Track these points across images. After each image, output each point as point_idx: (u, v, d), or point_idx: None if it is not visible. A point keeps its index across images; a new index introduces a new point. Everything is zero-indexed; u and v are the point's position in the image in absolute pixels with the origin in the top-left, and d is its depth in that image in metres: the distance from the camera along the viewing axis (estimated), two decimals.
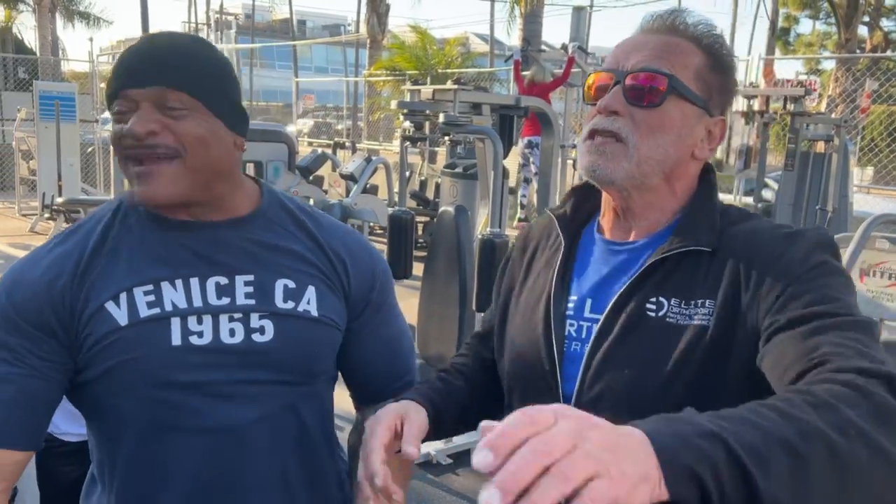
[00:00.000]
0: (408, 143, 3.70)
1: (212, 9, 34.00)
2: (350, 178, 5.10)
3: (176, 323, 1.02)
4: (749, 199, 7.06)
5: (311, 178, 6.13)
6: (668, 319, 0.93)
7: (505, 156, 3.93)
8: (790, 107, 5.66)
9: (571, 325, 1.01)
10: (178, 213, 1.06)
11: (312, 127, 23.35)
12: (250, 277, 1.06)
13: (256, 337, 1.04)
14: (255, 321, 1.05)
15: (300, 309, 1.07)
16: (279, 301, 1.06)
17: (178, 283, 1.03)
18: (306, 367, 1.09)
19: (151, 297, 1.02)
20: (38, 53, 21.17)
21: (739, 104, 6.48)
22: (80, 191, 9.08)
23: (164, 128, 0.97)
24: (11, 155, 11.50)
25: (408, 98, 3.57)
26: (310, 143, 15.66)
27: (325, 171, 6.71)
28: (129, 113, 0.97)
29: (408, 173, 8.68)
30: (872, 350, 0.78)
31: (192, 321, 1.02)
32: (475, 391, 1.13)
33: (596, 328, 0.97)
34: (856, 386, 0.69)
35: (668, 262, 0.95)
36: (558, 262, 1.04)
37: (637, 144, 0.95)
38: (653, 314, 0.94)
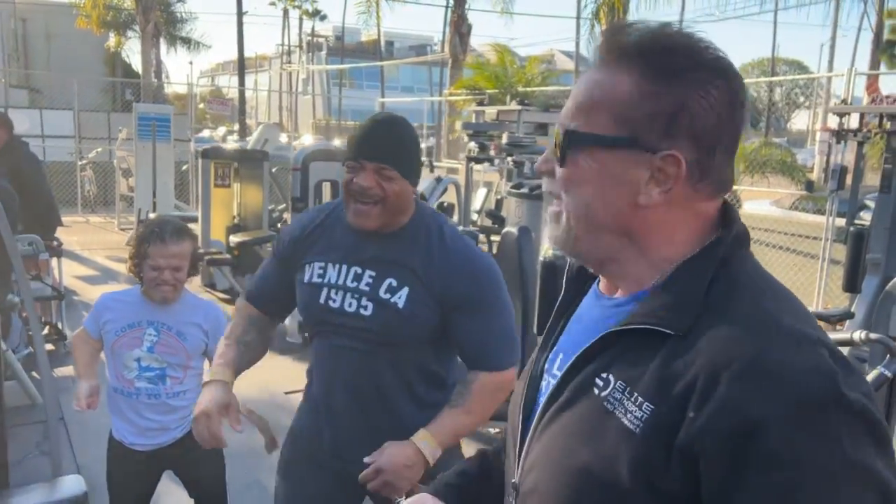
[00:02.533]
0: (472, 163, 3.69)
1: (304, 31, 35.26)
2: (421, 197, 5.16)
3: (325, 290, 1.73)
4: (842, 222, 6.68)
5: (445, 205, 6.20)
6: (605, 405, 0.81)
7: None
8: (886, 124, 5.31)
9: (546, 380, 0.94)
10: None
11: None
12: (373, 273, 1.69)
13: (362, 311, 1.69)
14: (364, 301, 1.69)
15: (392, 300, 1.66)
16: (382, 292, 1.67)
17: (336, 265, 1.73)
18: (386, 337, 1.69)
19: (321, 271, 1.75)
20: (141, 77, 22.47)
21: (832, 122, 6.15)
22: (173, 207, 9.54)
23: (378, 184, 1.61)
24: (114, 172, 12.24)
25: (473, 119, 3.56)
26: None
27: None
28: (359, 170, 1.61)
29: (485, 191, 8.69)
30: None
31: (332, 292, 1.72)
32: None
33: (549, 390, 0.90)
34: None
35: (628, 336, 0.82)
36: (553, 314, 0.98)
37: (562, 204, 0.87)
38: (597, 391, 0.83)
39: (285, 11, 36.47)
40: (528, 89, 13.53)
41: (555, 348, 0.96)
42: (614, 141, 0.82)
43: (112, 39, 28.79)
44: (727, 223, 0.86)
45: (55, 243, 5.33)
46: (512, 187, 4.50)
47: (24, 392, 4.20)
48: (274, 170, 8.53)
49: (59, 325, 5.34)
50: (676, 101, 0.80)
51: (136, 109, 9.73)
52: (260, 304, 1.90)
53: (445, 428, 1.67)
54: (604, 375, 0.83)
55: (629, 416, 0.77)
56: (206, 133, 21.20)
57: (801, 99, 43.64)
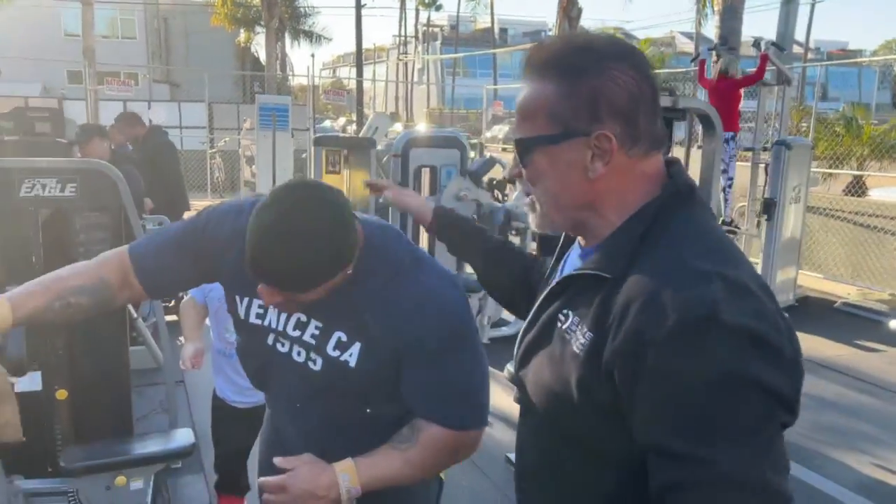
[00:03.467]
0: None
1: (420, 22, 35.81)
2: (469, 175, 5.32)
3: (271, 335, 1.47)
4: None
5: (495, 182, 6.32)
6: (565, 335, 1.03)
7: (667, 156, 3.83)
8: None
9: None
10: None
11: (508, 132, 23.77)
12: (320, 324, 1.40)
13: (310, 365, 1.42)
14: (312, 354, 1.42)
15: (342, 359, 1.38)
16: (330, 349, 1.39)
17: (276, 309, 1.41)
18: (341, 391, 1.42)
19: (261, 311, 1.46)
20: (265, 70, 23.67)
21: None
22: None
23: (290, 300, 1.29)
24: (239, 160, 13.07)
25: None
26: (503, 149, 15.99)
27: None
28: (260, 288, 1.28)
29: None
30: None
31: (280, 337, 1.45)
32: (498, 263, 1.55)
33: (529, 317, 1.15)
34: None
35: (581, 280, 1.03)
36: (554, 257, 1.24)
37: (535, 196, 1.08)
38: (560, 324, 1.05)
39: (402, 2, 37.22)
40: None
41: (550, 281, 1.19)
42: (553, 137, 1.00)
43: (242, 35, 30.46)
44: (671, 180, 1.03)
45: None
46: None
47: (151, 356, 4.67)
48: (385, 159, 8.86)
49: (183, 297, 5.83)
50: (591, 92, 0.98)
51: (258, 101, 10.33)
52: (146, 277, 1.47)
53: (376, 468, 1.38)
54: (565, 311, 1.04)
55: (577, 343, 0.99)
56: (327, 123, 22.12)
57: None
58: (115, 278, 1.45)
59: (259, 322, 1.45)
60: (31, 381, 3.04)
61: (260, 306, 1.44)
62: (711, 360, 0.84)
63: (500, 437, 3.78)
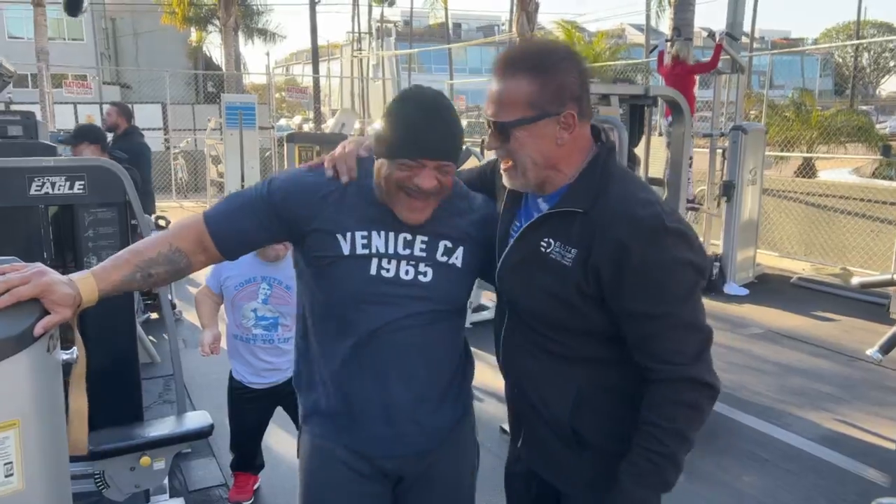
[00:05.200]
0: None
1: (373, 18, 35.77)
2: None
3: (374, 261, 1.56)
4: None
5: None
6: (550, 255, 1.45)
7: (635, 144, 4.08)
8: None
9: (510, 238, 1.56)
10: None
11: (467, 126, 24.01)
12: (425, 238, 1.58)
13: (420, 278, 1.57)
14: (421, 267, 1.58)
15: (450, 262, 1.60)
16: (439, 255, 1.59)
17: (382, 234, 1.56)
18: (445, 304, 1.61)
19: (365, 241, 1.55)
20: (223, 69, 23.42)
21: None
22: None
23: (438, 182, 1.49)
24: (203, 160, 13.01)
25: None
26: (473, 143, 16.21)
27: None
28: (417, 169, 1.46)
29: None
30: (683, 350, 1.39)
31: (383, 261, 1.55)
32: None
33: (509, 245, 1.54)
34: (674, 401, 1.39)
35: (556, 215, 1.45)
36: (512, 203, 1.60)
37: (516, 162, 1.45)
38: (543, 249, 1.46)
39: None
40: (597, 65, 13.53)
41: (514, 222, 1.57)
42: (533, 118, 1.40)
43: (194, 35, 30.01)
44: (598, 138, 1.51)
45: (163, 222, 5.90)
46: None
47: (144, 351, 4.75)
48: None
49: (170, 297, 5.91)
50: (559, 84, 1.40)
51: (224, 100, 10.35)
52: (221, 240, 1.57)
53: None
54: (546, 239, 1.46)
55: (565, 258, 1.43)
56: (283, 122, 22.03)
57: (892, 63, 41.24)
58: (191, 246, 1.55)
59: (365, 251, 1.54)
60: None
61: (363, 236, 1.54)
62: (667, 251, 1.35)
63: (494, 411, 4.00)
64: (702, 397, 1.40)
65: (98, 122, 7.03)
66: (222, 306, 3.05)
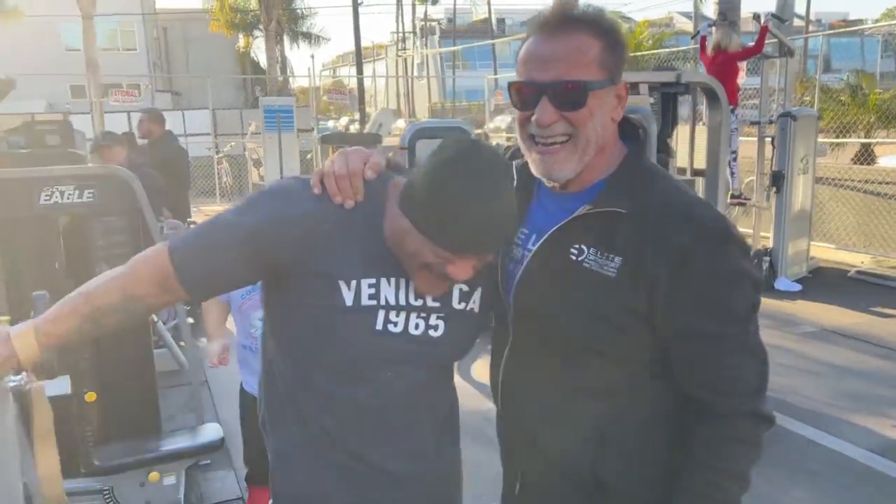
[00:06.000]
0: None
1: (417, 17, 35.78)
2: None
3: (381, 314, 1.28)
4: None
5: None
6: (584, 265, 1.22)
7: (669, 134, 3.85)
8: None
9: (521, 251, 1.32)
10: None
11: (511, 122, 23.73)
12: None
13: (431, 332, 1.33)
14: (433, 320, 1.32)
15: (468, 308, 1.36)
16: (455, 303, 1.35)
17: (392, 280, 1.29)
18: (454, 356, 1.40)
19: (373, 291, 1.28)
20: (266, 73, 23.74)
21: None
22: None
23: (473, 270, 1.22)
24: (246, 163, 13.15)
25: None
26: (507, 139, 15.98)
27: None
28: (453, 261, 1.18)
29: None
30: (744, 378, 1.20)
31: (391, 314, 1.29)
32: None
33: (529, 257, 1.29)
34: (735, 438, 1.20)
35: (591, 217, 1.22)
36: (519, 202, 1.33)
37: (579, 136, 1.21)
38: (574, 258, 1.23)
39: None
40: (639, 53, 13.14)
41: (521, 229, 1.32)
42: (603, 83, 1.20)
43: (241, 40, 30.54)
44: (633, 134, 1.31)
45: (190, 225, 5.91)
46: None
47: (173, 358, 4.73)
48: (390, 154, 8.91)
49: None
50: (621, 49, 1.23)
51: (262, 103, 10.40)
52: (192, 286, 1.29)
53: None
54: (578, 246, 1.23)
55: (606, 268, 1.20)
56: (329, 123, 22.19)
57: None
58: (150, 289, 1.29)
59: (373, 302, 1.28)
60: (61, 385, 3.11)
61: (371, 285, 1.28)
62: (734, 262, 1.18)
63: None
64: (762, 433, 1.23)
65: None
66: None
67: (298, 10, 28.80)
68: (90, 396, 3.19)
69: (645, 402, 1.28)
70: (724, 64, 6.86)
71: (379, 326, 1.28)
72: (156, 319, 4.38)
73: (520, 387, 1.35)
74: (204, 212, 7.09)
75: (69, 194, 3.13)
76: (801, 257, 7.15)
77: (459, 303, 1.34)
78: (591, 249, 1.21)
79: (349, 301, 1.26)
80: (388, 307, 1.28)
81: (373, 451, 1.34)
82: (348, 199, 1.25)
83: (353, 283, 1.26)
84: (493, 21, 35.95)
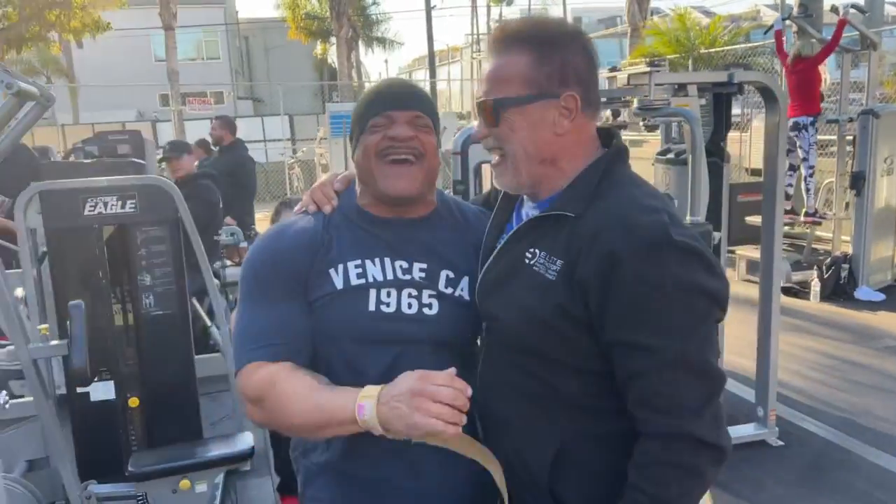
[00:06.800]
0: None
1: (491, 18, 35.72)
2: None
3: (373, 293, 1.36)
4: None
5: None
6: (533, 267, 1.22)
7: (722, 137, 3.64)
8: None
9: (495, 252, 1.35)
10: (384, 212, 1.42)
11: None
12: (423, 265, 1.40)
13: (426, 311, 1.37)
14: (425, 298, 1.38)
15: (456, 294, 1.40)
16: (442, 285, 1.40)
17: (376, 260, 1.38)
18: (455, 341, 1.41)
19: (360, 270, 1.37)
20: (338, 78, 24.18)
21: None
22: None
23: (416, 135, 1.35)
24: (316, 168, 13.41)
25: (606, 86, 3.48)
26: None
27: None
28: (388, 125, 1.34)
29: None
30: (683, 396, 1.12)
31: (382, 293, 1.36)
32: None
33: (490, 259, 1.33)
34: (666, 462, 1.12)
35: (548, 221, 1.23)
36: (503, 213, 1.41)
37: (507, 151, 1.24)
38: (528, 261, 1.24)
39: (473, 0, 37.21)
40: (713, 50, 12.62)
41: (503, 236, 1.35)
42: (529, 98, 1.20)
43: (318, 47, 31.25)
44: (610, 141, 1.29)
45: (252, 233, 6.03)
46: (658, 153, 4.29)
47: (227, 363, 4.82)
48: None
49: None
50: (561, 60, 1.20)
51: (328, 109, 10.56)
52: (302, 357, 1.34)
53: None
54: (532, 250, 1.24)
55: (549, 272, 1.19)
56: None
57: None
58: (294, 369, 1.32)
59: (361, 281, 1.34)
60: (105, 390, 3.20)
61: (357, 265, 1.36)
62: (668, 272, 1.10)
63: None
64: (703, 460, 1.13)
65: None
66: None
67: (373, 16, 29.22)
68: (133, 402, 3.27)
69: (604, 416, 1.23)
70: (805, 72, 6.48)
71: (372, 307, 1.34)
72: (209, 323, 4.46)
73: (490, 399, 1.34)
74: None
75: (112, 205, 3.21)
76: (884, 264, 6.67)
77: (447, 287, 1.39)
78: (542, 253, 1.22)
79: (339, 284, 1.35)
80: (377, 284, 1.35)
81: (397, 471, 1.36)
82: (325, 205, 1.42)
83: (340, 266, 1.36)
84: (570, 20, 35.43)
